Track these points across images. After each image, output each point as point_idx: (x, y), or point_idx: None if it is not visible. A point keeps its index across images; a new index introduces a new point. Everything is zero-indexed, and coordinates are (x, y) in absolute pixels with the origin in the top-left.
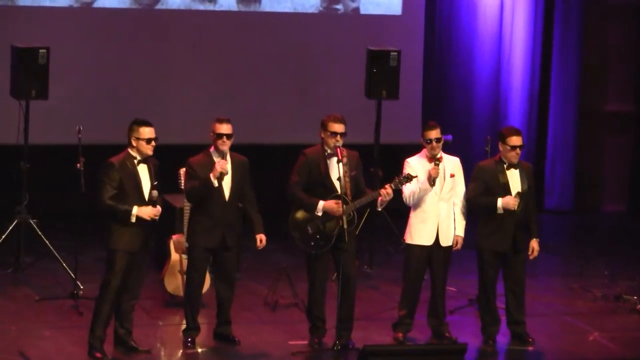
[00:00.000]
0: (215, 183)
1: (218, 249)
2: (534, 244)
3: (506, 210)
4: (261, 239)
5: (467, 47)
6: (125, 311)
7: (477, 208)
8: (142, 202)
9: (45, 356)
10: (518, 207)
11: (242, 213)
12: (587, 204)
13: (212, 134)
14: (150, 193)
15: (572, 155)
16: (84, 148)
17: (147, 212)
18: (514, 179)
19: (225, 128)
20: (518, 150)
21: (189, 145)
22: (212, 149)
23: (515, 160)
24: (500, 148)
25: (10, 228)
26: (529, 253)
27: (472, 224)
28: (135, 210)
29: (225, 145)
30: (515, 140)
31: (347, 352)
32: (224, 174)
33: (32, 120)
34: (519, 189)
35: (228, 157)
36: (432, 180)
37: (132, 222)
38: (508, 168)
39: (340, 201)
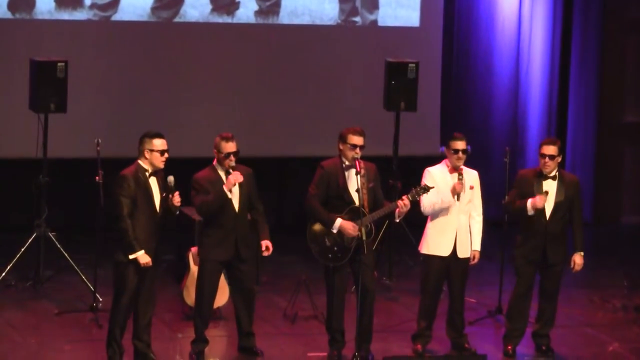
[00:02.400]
0: (229, 195)
1: (233, 261)
2: (576, 257)
3: (537, 220)
4: (267, 245)
5: (486, 59)
6: (142, 324)
7: (511, 213)
8: (153, 214)
9: None
10: (549, 220)
11: (251, 223)
12: (607, 215)
13: (216, 151)
14: (166, 179)
15: (591, 167)
16: (102, 161)
17: (145, 260)
18: (550, 190)
19: (231, 146)
20: (547, 159)
21: (208, 158)
22: (215, 163)
23: (546, 170)
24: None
25: (30, 241)
26: (571, 266)
27: (494, 235)
28: (139, 254)
29: (233, 162)
30: (545, 149)
31: None
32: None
33: (50, 133)
34: (553, 201)
35: (232, 171)
36: (456, 195)
37: (140, 236)
38: (545, 179)
39: (357, 225)
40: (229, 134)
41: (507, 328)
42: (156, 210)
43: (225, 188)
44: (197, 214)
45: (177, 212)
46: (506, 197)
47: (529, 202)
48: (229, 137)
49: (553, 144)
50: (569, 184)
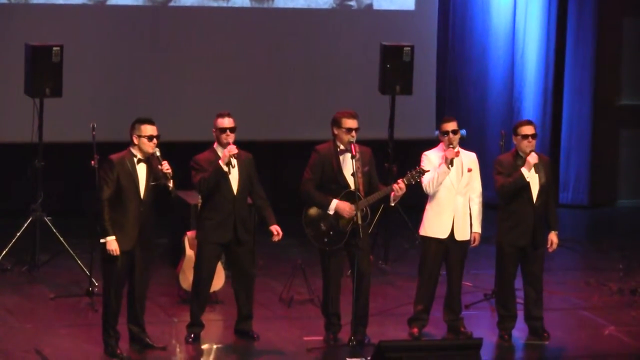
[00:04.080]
0: (225, 168)
1: (231, 244)
2: (553, 237)
3: (525, 205)
4: (277, 230)
5: (481, 42)
6: (136, 309)
7: (508, 192)
8: (138, 201)
9: (61, 354)
10: (536, 203)
11: (254, 209)
12: (603, 198)
13: (214, 129)
14: (152, 153)
15: (587, 150)
16: (98, 145)
17: (112, 247)
18: (532, 173)
19: (227, 122)
20: (530, 139)
21: (204, 142)
22: (216, 145)
23: (528, 150)
24: (515, 141)
25: (25, 226)
26: (548, 246)
27: (491, 218)
28: (109, 239)
29: (230, 138)
30: (526, 130)
31: (362, 347)
32: (232, 165)
33: (46, 118)
34: (537, 184)
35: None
36: (449, 162)
37: (124, 222)
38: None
39: (353, 205)
40: (226, 111)
41: (500, 314)
42: (141, 197)
43: (221, 162)
44: (197, 192)
45: (171, 185)
46: (496, 183)
47: (524, 169)
48: (225, 113)
49: (531, 124)
50: (545, 165)
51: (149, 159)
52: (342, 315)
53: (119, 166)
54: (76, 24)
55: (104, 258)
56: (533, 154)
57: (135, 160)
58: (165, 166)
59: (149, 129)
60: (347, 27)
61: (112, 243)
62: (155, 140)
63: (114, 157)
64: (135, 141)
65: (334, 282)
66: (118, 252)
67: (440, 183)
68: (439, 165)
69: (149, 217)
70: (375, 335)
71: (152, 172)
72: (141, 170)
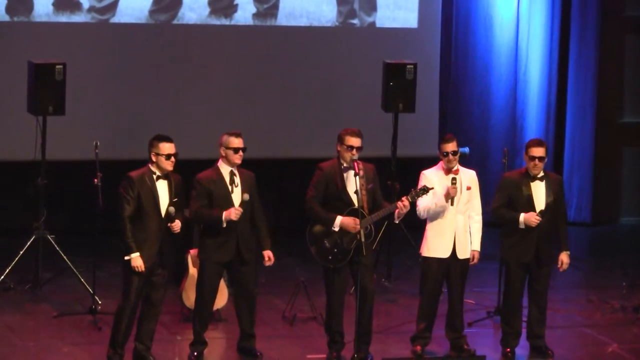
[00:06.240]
0: (224, 225)
1: (234, 263)
2: (564, 256)
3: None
4: (269, 256)
5: (484, 60)
6: (147, 327)
7: (500, 219)
8: (158, 218)
9: None
10: (541, 221)
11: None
12: (605, 215)
13: (222, 147)
14: (167, 209)
15: (590, 167)
16: (101, 163)
17: (137, 263)
18: (539, 191)
19: (239, 142)
20: (537, 162)
21: (207, 160)
22: (219, 163)
23: (535, 172)
24: (524, 158)
25: (28, 244)
26: (559, 266)
27: (493, 236)
28: (133, 256)
29: (240, 159)
30: (535, 151)
31: None
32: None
33: (49, 136)
34: (543, 202)
35: (236, 171)
36: (449, 199)
37: (144, 239)
38: (533, 180)
39: (357, 219)
40: (237, 130)
41: (504, 331)
42: (161, 214)
43: (223, 218)
44: (191, 220)
45: (178, 234)
46: (493, 202)
47: (522, 217)
48: (236, 133)
49: (541, 145)
50: (555, 184)
51: (168, 175)
52: (345, 333)
53: (139, 183)
54: (79, 41)
55: (126, 275)
56: (536, 218)
57: (155, 177)
58: (175, 228)
59: (167, 147)
60: (350, 45)
61: (136, 260)
62: (173, 159)
63: (134, 174)
64: (154, 159)
65: (338, 300)
66: (143, 269)
67: (436, 213)
68: (443, 194)
69: (169, 235)
70: (378, 353)
71: (172, 189)
72: (161, 186)
